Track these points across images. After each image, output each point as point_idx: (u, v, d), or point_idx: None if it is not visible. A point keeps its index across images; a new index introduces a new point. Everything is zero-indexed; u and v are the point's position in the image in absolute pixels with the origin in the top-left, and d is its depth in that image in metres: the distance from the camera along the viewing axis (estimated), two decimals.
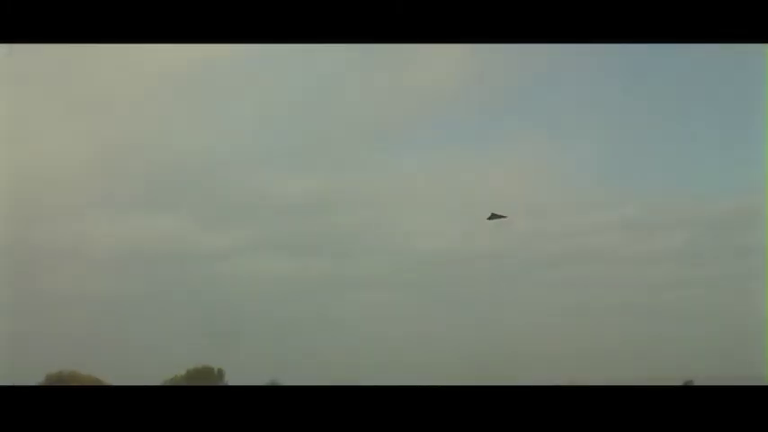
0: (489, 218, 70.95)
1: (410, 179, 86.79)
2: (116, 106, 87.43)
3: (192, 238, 74.88)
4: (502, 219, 71.32)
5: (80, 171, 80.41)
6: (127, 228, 77.21)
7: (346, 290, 74.26)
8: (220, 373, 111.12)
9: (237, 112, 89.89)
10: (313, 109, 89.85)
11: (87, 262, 72.65)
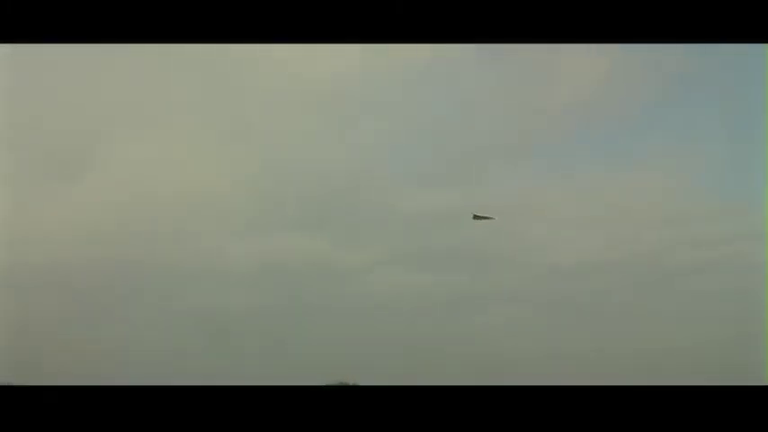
0: (474, 218, 69.39)
1: (543, 191, 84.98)
2: (257, 127, 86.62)
3: (328, 255, 74.65)
4: (488, 219, 69.66)
5: (225, 192, 79.77)
6: (265, 246, 76.47)
7: (485, 304, 73.23)
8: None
9: (368, 126, 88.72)
10: (446, 122, 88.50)
11: (228, 278, 72.22)
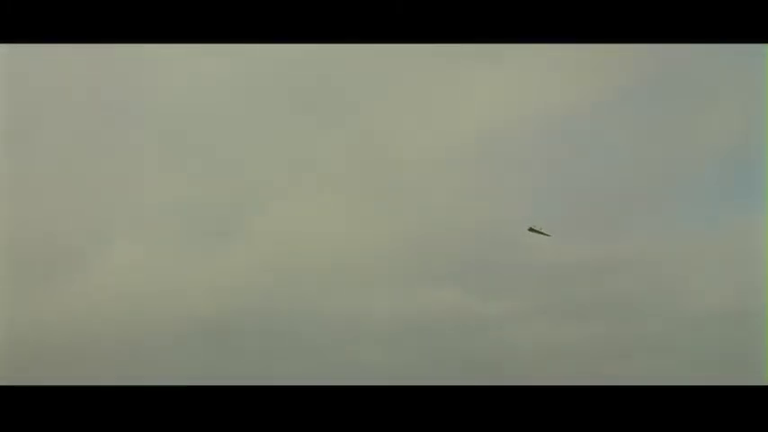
0: (529, 230, 68.09)
1: (687, 236, 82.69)
2: (401, 184, 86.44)
3: (470, 306, 74.28)
4: (544, 235, 68.08)
5: (371, 246, 79.72)
6: (407, 300, 76.13)
7: (631, 354, 71.78)
8: None
9: (510, 177, 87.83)
10: (578, 170, 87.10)
11: (371, 334, 72.19)
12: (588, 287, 75.77)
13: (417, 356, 72.15)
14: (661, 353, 71.37)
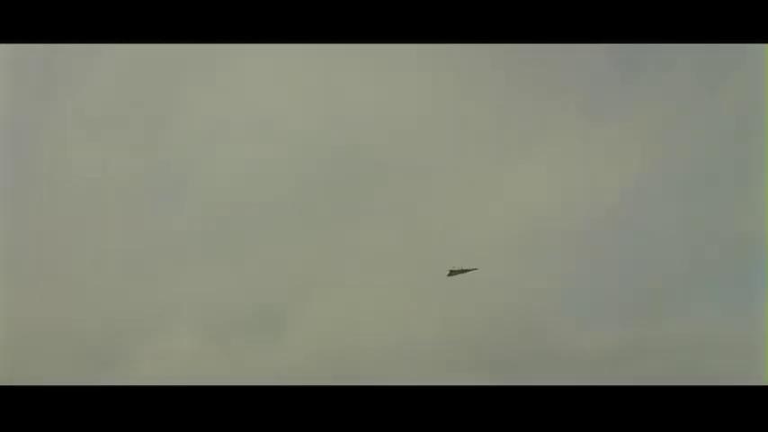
0: (450, 274, 66.93)
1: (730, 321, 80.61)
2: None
3: None
4: (468, 272, 66.81)
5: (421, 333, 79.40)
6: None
7: None
8: None
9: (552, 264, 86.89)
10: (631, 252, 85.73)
11: None
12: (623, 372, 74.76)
13: None
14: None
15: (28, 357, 67.12)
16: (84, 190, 75.66)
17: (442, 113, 77.29)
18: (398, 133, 75.23)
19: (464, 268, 67.73)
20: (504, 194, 79.27)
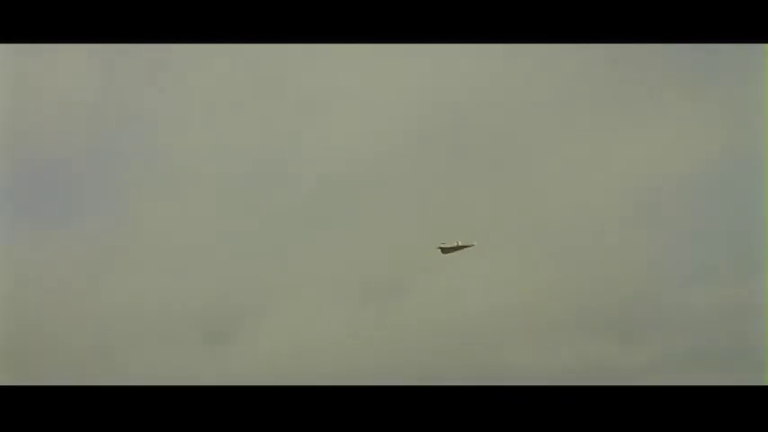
0: (443, 251, 65.91)
1: None
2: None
3: (615, 357, 73.42)
4: (464, 248, 65.78)
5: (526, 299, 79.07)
6: (556, 351, 75.26)
7: None
8: None
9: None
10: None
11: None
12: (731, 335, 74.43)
13: None
14: None
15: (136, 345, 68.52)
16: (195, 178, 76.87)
17: (555, 87, 78.40)
18: (508, 106, 75.65)
19: (460, 244, 65.74)
20: (613, 164, 79.54)
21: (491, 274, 73.30)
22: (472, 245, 66.00)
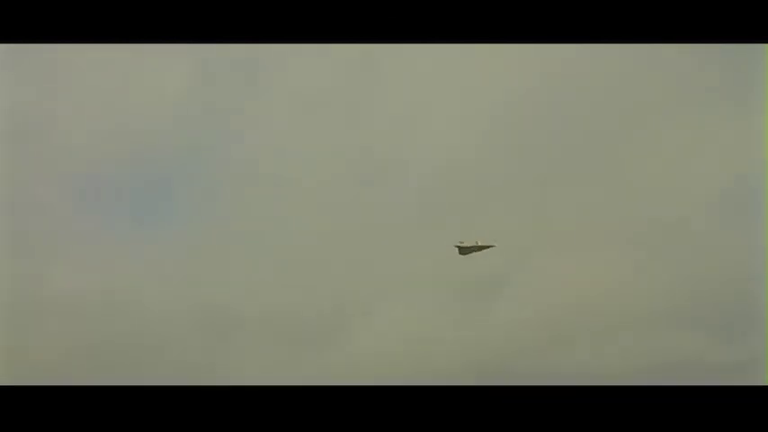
0: (461, 252, 65.01)
1: None
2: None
3: (702, 353, 73.69)
4: (486, 249, 64.84)
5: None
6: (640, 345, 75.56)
7: None
8: None
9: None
10: None
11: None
12: None
13: None
14: None
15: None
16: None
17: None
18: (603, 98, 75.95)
19: (479, 244, 64.11)
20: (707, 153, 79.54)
21: (579, 270, 73.73)
22: (493, 245, 64.47)
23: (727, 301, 72.61)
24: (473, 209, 74.30)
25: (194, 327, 70.02)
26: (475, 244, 63.76)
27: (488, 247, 63.81)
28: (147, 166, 75.89)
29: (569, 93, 78.81)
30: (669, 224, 76.16)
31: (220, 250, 73.03)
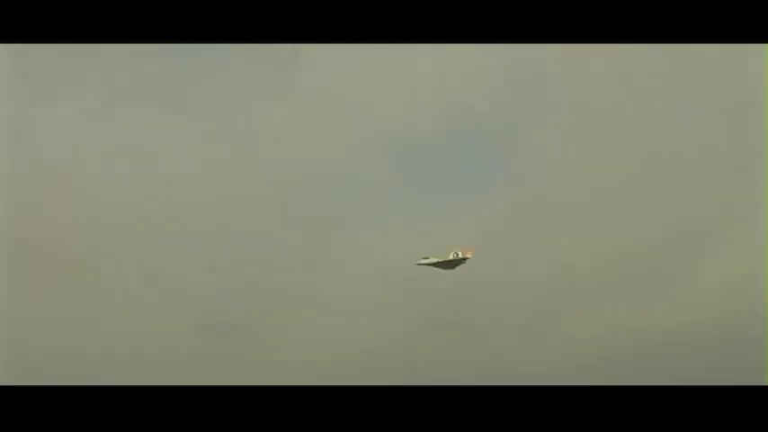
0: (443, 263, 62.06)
1: None
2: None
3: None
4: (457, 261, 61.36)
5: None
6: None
7: None
8: None
9: None
10: None
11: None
12: None
13: None
14: None
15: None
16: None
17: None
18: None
19: (459, 257, 63.22)
20: None
21: None
22: (467, 257, 63.82)
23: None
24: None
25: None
26: (456, 256, 63.48)
27: (465, 259, 63.43)
28: None
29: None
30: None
31: None
